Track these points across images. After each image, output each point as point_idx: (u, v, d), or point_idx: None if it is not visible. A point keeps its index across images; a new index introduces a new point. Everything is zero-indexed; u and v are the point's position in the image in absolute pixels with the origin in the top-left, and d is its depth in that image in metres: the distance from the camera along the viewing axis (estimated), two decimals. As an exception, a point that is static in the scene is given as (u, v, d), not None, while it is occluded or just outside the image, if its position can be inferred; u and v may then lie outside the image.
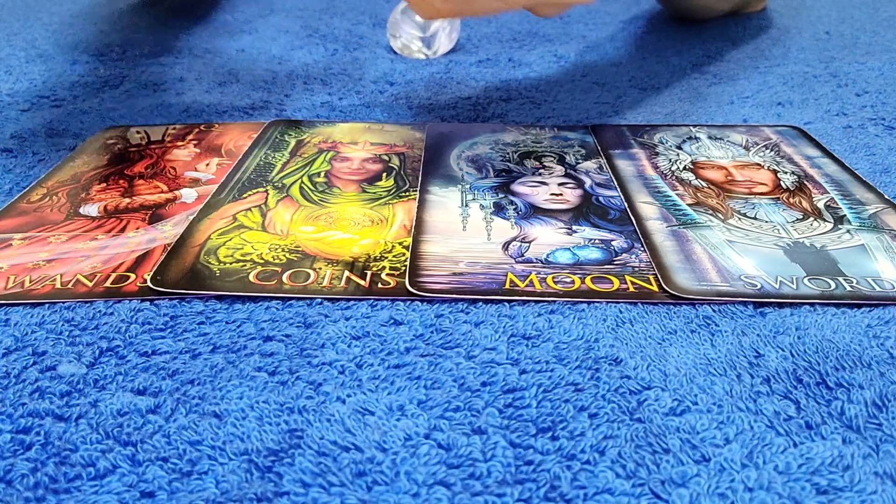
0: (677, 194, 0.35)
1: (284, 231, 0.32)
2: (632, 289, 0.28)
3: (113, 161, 0.39)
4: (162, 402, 0.22)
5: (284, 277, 0.28)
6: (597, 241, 0.31)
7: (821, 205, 0.34)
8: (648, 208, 0.34)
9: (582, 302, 0.27)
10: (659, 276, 0.28)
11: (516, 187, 0.36)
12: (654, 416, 0.22)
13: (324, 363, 0.24)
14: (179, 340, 0.25)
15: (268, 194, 0.36)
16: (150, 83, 0.52)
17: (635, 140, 0.42)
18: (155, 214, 0.34)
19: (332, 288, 0.28)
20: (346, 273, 0.29)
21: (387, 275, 0.29)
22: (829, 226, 0.32)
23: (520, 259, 0.30)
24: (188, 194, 0.35)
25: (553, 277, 0.28)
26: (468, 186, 0.37)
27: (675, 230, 0.32)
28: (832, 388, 0.23)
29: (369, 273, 0.29)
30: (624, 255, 0.30)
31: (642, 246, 0.31)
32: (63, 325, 0.26)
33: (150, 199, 0.35)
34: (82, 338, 0.25)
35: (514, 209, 0.34)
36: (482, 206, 0.34)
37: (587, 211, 0.34)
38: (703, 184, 0.36)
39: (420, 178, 0.37)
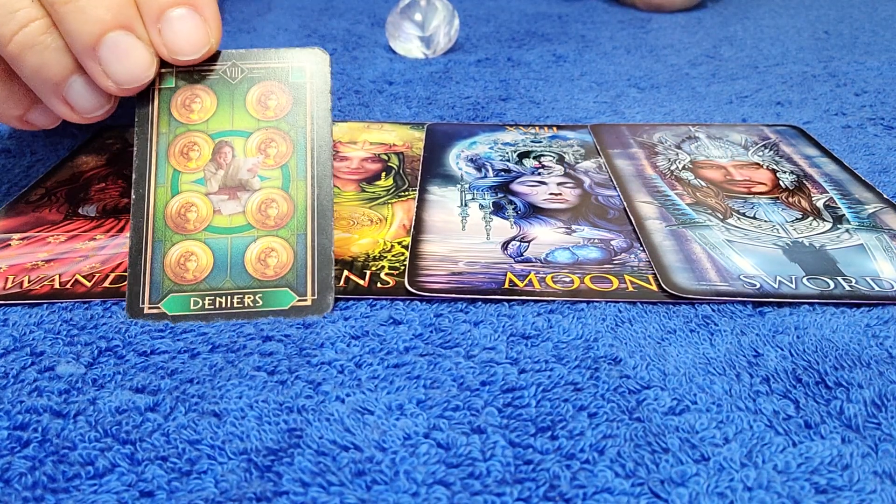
0: (676, 194, 0.35)
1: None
2: (631, 288, 0.28)
3: (112, 161, 0.39)
4: (161, 401, 0.22)
5: (283, 277, 0.28)
6: (596, 241, 0.31)
7: (820, 204, 0.34)
8: (647, 208, 0.34)
9: (581, 301, 0.27)
10: (658, 276, 0.28)
11: (515, 187, 0.36)
12: (653, 415, 0.22)
13: (323, 363, 0.24)
14: (178, 340, 0.25)
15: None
16: (149, 82, 0.52)
17: (634, 139, 0.42)
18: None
19: (332, 287, 0.28)
20: (345, 272, 0.29)
21: (386, 274, 0.29)
22: (828, 225, 0.32)
23: (519, 259, 0.30)
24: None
25: (552, 277, 0.28)
26: (467, 186, 0.37)
27: (674, 230, 0.32)
28: (831, 388, 0.23)
29: (368, 272, 0.29)
30: (623, 254, 0.30)
31: (641, 245, 0.31)
32: (61, 325, 0.26)
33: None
34: (80, 337, 0.25)
35: (514, 209, 0.34)
36: (481, 206, 0.34)
37: (586, 210, 0.34)
38: (703, 183, 0.36)
39: (419, 178, 0.37)
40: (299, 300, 0.26)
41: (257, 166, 0.28)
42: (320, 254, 0.27)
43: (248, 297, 0.26)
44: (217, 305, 0.26)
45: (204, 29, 0.27)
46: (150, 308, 0.26)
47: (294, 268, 0.27)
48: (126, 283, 0.26)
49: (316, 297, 0.26)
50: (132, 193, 0.27)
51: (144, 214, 0.27)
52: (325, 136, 0.28)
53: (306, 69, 0.29)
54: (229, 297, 0.26)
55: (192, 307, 0.26)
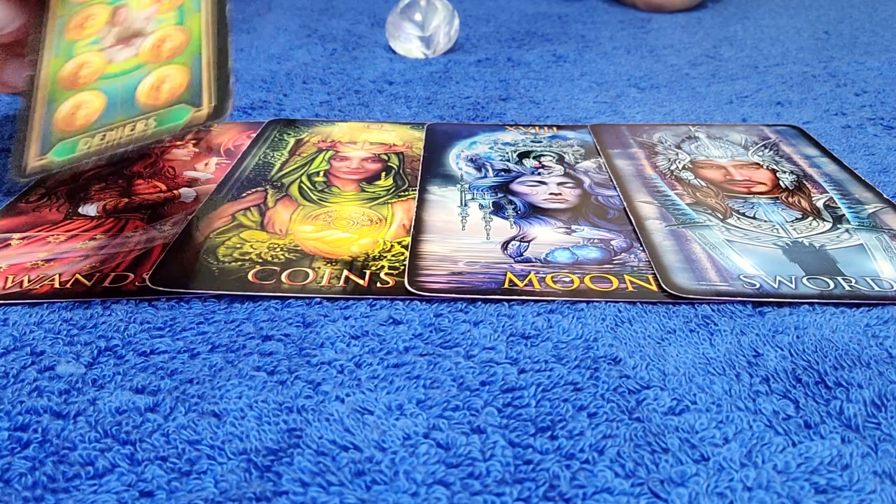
0: (676, 194, 0.35)
1: (283, 230, 0.32)
2: (631, 288, 0.28)
3: (112, 161, 0.39)
4: (161, 401, 0.22)
5: (283, 276, 0.28)
6: (596, 241, 0.31)
7: (820, 204, 0.34)
8: (647, 208, 0.34)
9: (581, 301, 0.27)
10: (658, 276, 0.28)
11: (515, 187, 0.36)
12: (653, 415, 0.22)
13: (323, 362, 0.24)
14: (178, 340, 0.25)
15: (267, 193, 0.36)
16: (149, 82, 0.52)
17: (634, 139, 0.42)
18: (154, 214, 0.33)
19: (331, 287, 0.28)
20: (345, 272, 0.29)
21: (385, 274, 0.29)
22: (828, 225, 0.32)
23: (519, 258, 0.30)
24: (187, 194, 0.35)
25: (552, 277, 0.28)
26: (467, 186, 0.37)
27: (674, 230, 0.32)
28: (831, 388, 0.23)
29: (368, 272, 0.29)
30: (623, 254, 0.30)
31: (641, 245, 0.31)
32: (61, 324, 0.26)
33: (148, 198, 0.35)
34: (80, 337, 0.25)
35: (514, 209, 0.34)
36: (481, 206, 0.34)
37: (586, 210, 0.34)
38: (702, 183, 0.36)
39: (419, 178, 0.37)
40: (196, 111, 0.26)
41: (153, 13, 0.27)
42: (218, 66, 0.26)
43: (141, 124, 0.26)
44: (108, 140, 0.26)
45: None
46: (35, 160, 0.26)
47: (190, 86, 0.26)
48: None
49: (215, 104, 0.26)
50: (28, 76, 0.27)
51: (36, 84, 0.27)
52: None
53: None
54: (120, 129, 0.26)
55: (80, 148, 0.26)
